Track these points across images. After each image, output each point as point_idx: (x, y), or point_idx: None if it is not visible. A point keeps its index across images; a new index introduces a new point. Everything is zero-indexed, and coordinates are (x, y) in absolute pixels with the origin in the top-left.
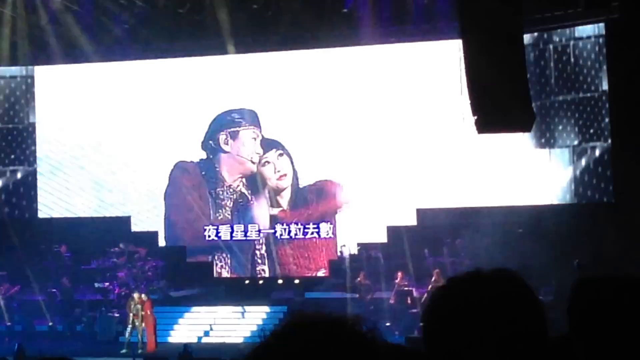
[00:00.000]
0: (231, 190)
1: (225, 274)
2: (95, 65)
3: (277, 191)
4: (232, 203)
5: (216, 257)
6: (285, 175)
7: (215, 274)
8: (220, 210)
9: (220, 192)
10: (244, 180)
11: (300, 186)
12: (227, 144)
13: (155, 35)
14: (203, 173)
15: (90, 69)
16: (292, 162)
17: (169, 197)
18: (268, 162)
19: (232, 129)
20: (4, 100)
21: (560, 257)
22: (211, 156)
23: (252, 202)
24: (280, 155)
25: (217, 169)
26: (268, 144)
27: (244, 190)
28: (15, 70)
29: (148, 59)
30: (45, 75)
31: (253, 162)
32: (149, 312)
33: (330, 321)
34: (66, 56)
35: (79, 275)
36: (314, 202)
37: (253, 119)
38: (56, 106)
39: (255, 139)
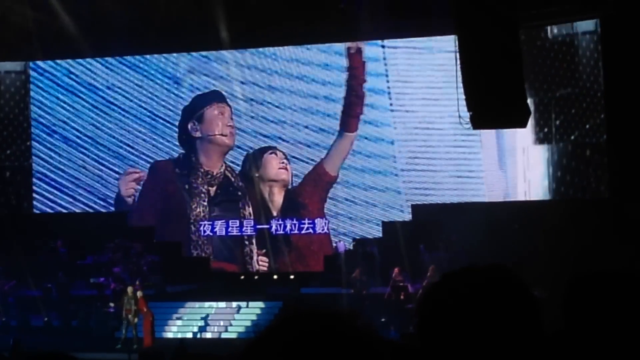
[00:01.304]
0: (209, 176)
1: (220, 269)
2: (90, 61)
3: (274, 181)
4: (214, 190)
5: (207, 253)
6: (285, 168)
7: (210, 269)
8: (195, 199)
9: (194, 181)
10: (225, 163)
11: (293, 184)
12: (196, 130)
13: (150, 32)
14: (177, 170)
15: (85, 64)
16: (288, 160)
17: (140, 200)
18: (275, 153)
19: (196, 114)
20: (1, 95)
21: (555, 252)
22: (187, 148)
23: (238, 185)
24: (284, 154)
25: (194, 159)
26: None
27: (228, 174)
28: (10, 65)
29: (144, 54)
30: (41, 70)
31: (224, 135)
32: (145, 309)
33: (325, 316)
34: (61, 51)
35: (74, 270)
36: (306, 199)
37: (216, 96)
38: (51, 101)
39: (222, 113)
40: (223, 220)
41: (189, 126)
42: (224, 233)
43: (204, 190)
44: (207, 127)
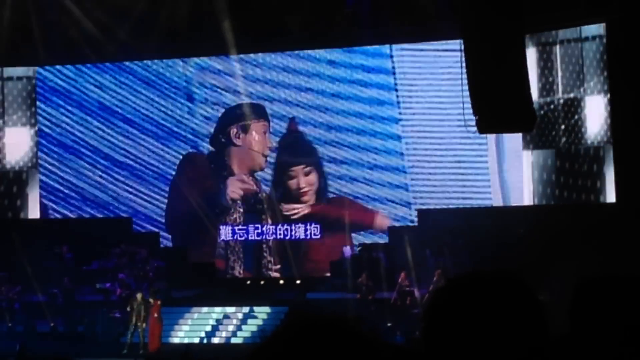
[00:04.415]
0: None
1: (230, 272)
2: (97, 67)
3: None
4: (240, 198)
5: (219, 255)
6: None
7: (217, 273)
8: (232, 205)
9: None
10: (252, 175)
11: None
12: (238, 137)
13: (158, 36)
14: (212, 166)
15: (91, 70)
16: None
17: (175, 188)
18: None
19: (242, 123)
20: (5, 101)
21: (560, 257)
22: (221, 150)
23: (261, 197)
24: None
25: (227, 163)
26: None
27: (252, 184)
28: (20, 71)
29: (150, 59)
30: (47, 76)
31: (264, 156)
32: (155, 315)
33: (329, 322)
34: (68, 56)
35: (80, 276)
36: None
37: (262, 112)
38: (57, 106)
39: (265, 132)
40: (229, 226)
41: (232, 131)
42: (230, 238)
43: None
44: (251, 139)
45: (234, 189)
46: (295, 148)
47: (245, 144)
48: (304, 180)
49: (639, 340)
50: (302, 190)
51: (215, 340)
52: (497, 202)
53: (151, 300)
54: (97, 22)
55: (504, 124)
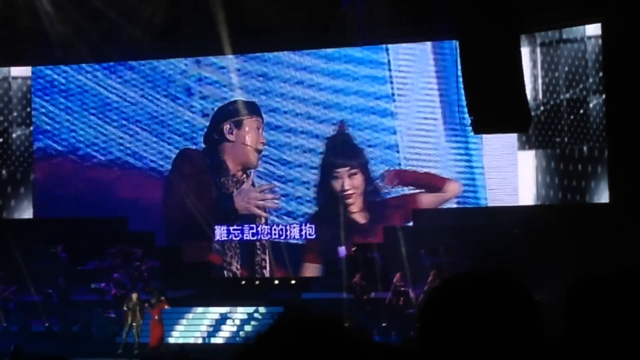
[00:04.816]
0: (234, 179)
1: (227, 268)
2: (93, 66)
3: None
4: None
5: (215, 250)
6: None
7: (213, 271)
8: (224, 200)
9: (225, 182)
10: (246, 171)
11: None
12: (231, 133)
13: (155, 36)
14: (208, 161)
15: (86, 68)
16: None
17: (170, 183)
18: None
19: (235, 119)
20: (1, 100)
21: (556, 257)
22: (214, 147)
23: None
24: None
25: (221, 159)
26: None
27: (245, 181)
28: (17, 70)
29: (146, 59)
30: (43, 75)
31: (258, 151)
32: (156, 317)
33: (318, 322)
34: (63, 56)
35: (75, 276)
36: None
37: (255, 109)
38: (53, 106)
39: (258, 128)
40: (225, 226)
41: (225, 127)
42: (225, 237)
43: (229, 191)
44: (244, 135)
45: (243, 204)
46: (342, 150)
47: (239, 140)
48: (348, 182)
49: (634, 340)
50: (346, 193)
51: (210, 340)
52: (492, 202)
53: (153, 300)
54: (96, 21)
55: (499, 124)
